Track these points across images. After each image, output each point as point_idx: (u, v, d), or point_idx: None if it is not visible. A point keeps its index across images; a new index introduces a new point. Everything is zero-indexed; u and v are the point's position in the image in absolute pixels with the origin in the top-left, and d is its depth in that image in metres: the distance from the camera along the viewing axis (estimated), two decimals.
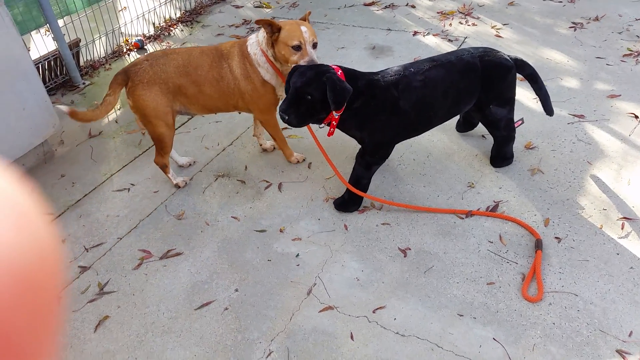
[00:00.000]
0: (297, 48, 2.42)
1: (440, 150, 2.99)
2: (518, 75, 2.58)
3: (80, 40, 4.21)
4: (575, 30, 4.15)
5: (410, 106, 2.40)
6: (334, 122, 2.38)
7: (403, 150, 3.00)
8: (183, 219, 2.69)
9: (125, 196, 2.89)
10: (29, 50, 4.16)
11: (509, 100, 2.58)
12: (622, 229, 2.37)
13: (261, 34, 2.57)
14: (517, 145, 2.93)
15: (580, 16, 4.35)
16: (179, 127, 3.44)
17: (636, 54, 3.71)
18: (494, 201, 2.59)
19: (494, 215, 2.49)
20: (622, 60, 3.65)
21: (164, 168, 2.82)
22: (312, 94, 2.23)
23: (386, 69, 2.49)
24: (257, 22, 2.47)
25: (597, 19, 4.27)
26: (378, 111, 2.39)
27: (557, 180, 2.68)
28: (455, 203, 2.61)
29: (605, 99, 3.27)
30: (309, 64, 2.38)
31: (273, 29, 2.45)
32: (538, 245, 2.28)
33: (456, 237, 2.41)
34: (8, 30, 2.84)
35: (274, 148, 3.13)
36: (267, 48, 2.54)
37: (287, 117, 2.28)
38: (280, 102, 2.29)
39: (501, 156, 2.78)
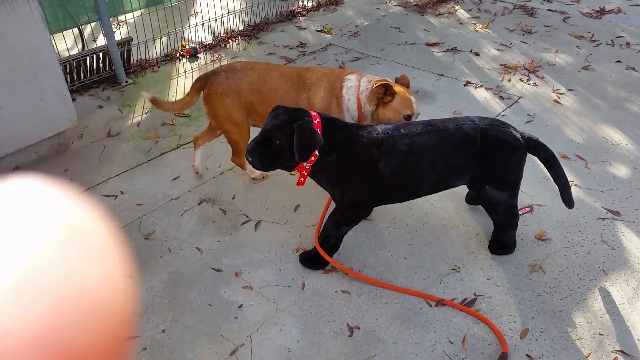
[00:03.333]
0: (408, 118, 2.47)
1: (439, 220, 2.68)
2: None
3: (132, 39, 4.33)
4: None
5: (390, 171, 2.16)
6: (304, 172, 2.18)
7: (400, 211, 2.74)
8: (150, 239, 2.61)
9: (110, 203, 2.87)
10: (84, 42, 4.36)
11: (511, 184, 2.24)
12: None
13: (364, 84, 2.54)
14: (528, 233, 2.56)
15: None
16: (190, 141, 3.40)
17: None
18: (474, 294, 2.26)
19: (467, 311, 2.16)
20: None
21: (241, 166, 2.95)
22: (280, 139, 2.06)
23: (377, 125, 2.26)
24: (377, 83, 2.43)
25: None
26: (353, 169, 2.17)
27: (558, 285, 2.29)
28: (431, 285, 2.31)
29: None
30: None
31: (388, 92, 2.46)
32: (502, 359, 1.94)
33: (415, 327, 2.12)
34: (36, 25, 2.93)
35: (263, 177, 3.00)
36: (366, 102, 2.52)
37: (250, 159, 2.12)
38: (249, 142, 2.15)
39: (500, 243, 2.43)
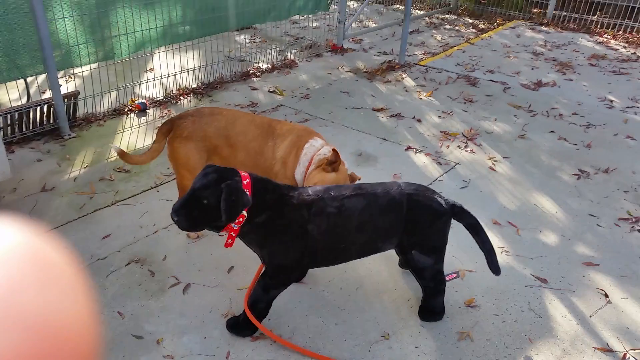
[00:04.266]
0: None
1: (373, 285, 2.67)
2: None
3: (78, 92, 4.31)
4: (579, 178, 3.80)
5: (319, 233, 2.16)
6: (232, 232, 2.15)
7: (335, 274, 2.72)
8: None
9: None
10: (29, 94, 4.29)
11: (436, 249, 2.28)
12: None
13: (323, 151, 2.69)
14: (458, 299, 2.58)
15: (590, 164, 4.01)
16: (127, 198, 3.33)
17: (634, 220, 3.30)
18: None
19: None
20: (615, 224, 3.26)
21: None
22: (209, 199, 2.04)
23: (309, 187, 2.28)
24: (334, 151, 2.59)
25: (607, 171, 3.91)
26: (282, 231, 2.16)
27: (484, 353, 2.29)
28: (359, 354, 2.27)
29: (579, 266, 2.87)
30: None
31: (334, 166, 2.60)
32: None
33: None
34: None
35: (197, 236, 2.95)
36: (315, 165, 2.66)
37: (176, 219, 2.08)
38: (176, 201, 2.12)
39: (429, 309, 2.43)
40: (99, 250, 2.84)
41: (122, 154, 2.80)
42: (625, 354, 2.32)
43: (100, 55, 4.50)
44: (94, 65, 4.61)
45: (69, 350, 0.34)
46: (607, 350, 2.34)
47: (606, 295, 2.66)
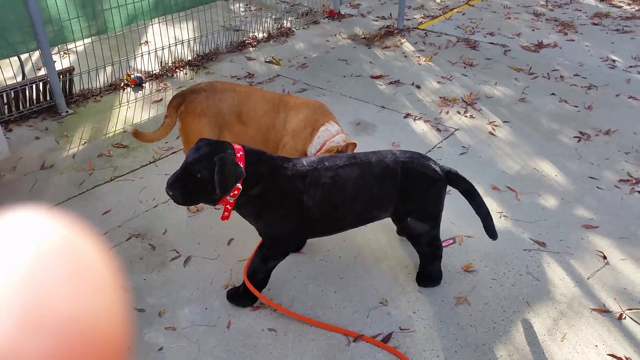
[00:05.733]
0: None
1: (371, 252, 2.69)
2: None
3: (73, 68, 4.27)
4: (579, 141, 3.77)
5: (314, 203, 2.16)
6: (228, 205, 2.16)
7: (334, 243, 2.74)
8: None
9: None
10: (24, 72, 4.26)
11: (432, 216, 2.28)
12: None
13: (337, 138, 2.67)
14: (456, 264, 2.60)
15: (591, 126, 3.97)
16: (126, 174, 3.34)
17: (634, 181, 3.29)
18: (400, 328, 2.26)
19: (383, 347, 2.15)
20: (616, 186, 3.25)
21: None
22: (202, 172, 2.04)
23: (303, 158, 2.28)
24: (348, 142, 2.61)
25: (608, 132, 3.88)
26: (278, 202, 2.16)
27: (482, 317, 2.32)
28: (358, 320, 2.30)
29: (578, 229, 2.87)
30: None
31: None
32: None
33: None
34: None
35: (197, 210, 2.97)
36: (325, 151, 2.64)
37: (171, 193, 2.09)
38: (170, 176, 2.12)
39: (426, 275, 2.46)
40: (100, 226, 2.86)
41: (136, 133, 2.76)
42: (621, 314, 2.35)
43: (93, 30, 4.44)
44: (87, 40, 4.56)
45: (100, 350, 0.34)
46: (604, 311, 2.37)
47: (604, 257, 2.67)
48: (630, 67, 5.08)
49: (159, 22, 5.19)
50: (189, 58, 5.18)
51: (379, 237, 2.79)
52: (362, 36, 5.84)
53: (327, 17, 6.51)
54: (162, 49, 4.98)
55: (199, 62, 5.13)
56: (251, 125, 2.78)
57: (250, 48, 5.53)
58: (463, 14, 6.64)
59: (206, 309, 2.36)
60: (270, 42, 5.72)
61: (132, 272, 2.56)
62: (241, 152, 2.11)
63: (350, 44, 5.63)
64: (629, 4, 7.15)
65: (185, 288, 2.47)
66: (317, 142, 2.71)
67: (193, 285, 2.49)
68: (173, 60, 5.07)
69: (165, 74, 4.86)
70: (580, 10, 6.81)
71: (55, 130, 3.89)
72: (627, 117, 4.12)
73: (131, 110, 4.19)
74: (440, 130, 3.88)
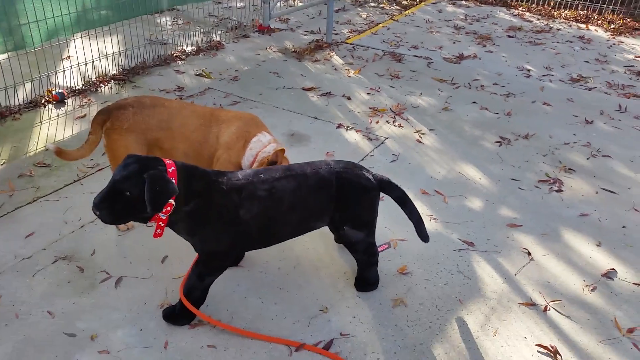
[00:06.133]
0: None
1: (310, 261, 2.71)
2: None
3: None
4: (500, 145, 4.00)
5: (250, 217, 2.15)
6: (161, 222, 2.10)
7: (272, 255, 2.73)
8: None
9: None
10: None
11: (367, 224, 2.33)
12: None
13: (269, 148, 2.67)
14: (391, 268, 2.66)
15: (511, 131, 4.22)
16: (49, 194, 3.17)
17: (552, 181, 3.52)
18: (340, 334, 2.29)
19: (325, 354, 2.17)
20: (536, 186, 3.46)
21: None
22: (131, 190, 1.97)
23: (239, 171, 2.26)
24: (276, 153, 2.62)
25: (526, 136, 4.14)
26: (213, 218, 2.13)
27: (419, 317, 2.39)
28: (299, 330, 2.30)
29: (503, 228, 3.04)
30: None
31: (276, 163, 2.62)
32: None
33: None
34: None
35: (128, 228, 2.89)
36: (258, 162, 2.65)
37: (98, 213, 2.00)
38: (96, 195, 2.03)
39: (364, 280, 2.50)
40: (23, 249, 2.70)
41: (58, 151, 2.65)
42: (546, 306, 2.49)
43: (10, 46, 4.21)
44: (4, 56, 4.31)
45: None
46: (531, 304, 2.51)
47: (529, 254, 2.84)
48: (543, 75, 5.46)
49: (81, 37, 5.00)
50: (114, 72, 5.02)
51: (317, 245, 2.81)
52: (293, 50, 5.91)
53: (257, 31, 6.54)
54: (85, 63, 4.80)
55: (125, 76, 4.98)
56: (183, 141, 2.73)
57: (179, 61, 5.44)
58: (388, 29, 6.89)
59: (141, 330, 2.28)
60: (200, 55, 5.66)
61: (60, 296, 2.42)
62: (173, 168, 2.07)
63: (281, 57, 5.68)
64: (538, 19, 7.70)
65: (118, 310, 2.37)
66: (249, 154, 2.71)
67: (126, 307, 2.39)
68: (97, 75, 4.90)
69: (88, 89, 4.68)
70: (496, 24, 7.26)
71: None
72: (543, 122, 4.42)
73: (53, 128, 3.99)
74: (371, 140, 3.98)
